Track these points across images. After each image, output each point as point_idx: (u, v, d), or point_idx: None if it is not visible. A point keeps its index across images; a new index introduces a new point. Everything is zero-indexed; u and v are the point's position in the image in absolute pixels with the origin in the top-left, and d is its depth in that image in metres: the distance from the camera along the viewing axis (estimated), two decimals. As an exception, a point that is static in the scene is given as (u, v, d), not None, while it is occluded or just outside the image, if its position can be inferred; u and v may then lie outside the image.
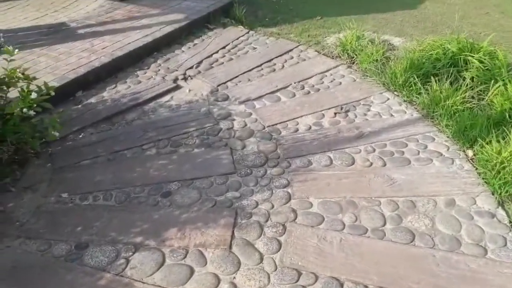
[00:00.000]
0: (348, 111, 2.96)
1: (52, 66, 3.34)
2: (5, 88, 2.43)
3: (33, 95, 2.34)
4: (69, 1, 4.92)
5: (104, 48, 3.64)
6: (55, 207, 2.24)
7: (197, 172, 2.45)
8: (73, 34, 3.95)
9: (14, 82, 2.37)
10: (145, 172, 2.46)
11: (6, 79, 2.35)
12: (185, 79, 3.46)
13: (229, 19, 4.53)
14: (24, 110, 2.26)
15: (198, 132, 2.78)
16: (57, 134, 2.41)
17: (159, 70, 3.57)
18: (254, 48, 3.93)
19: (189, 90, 3.31)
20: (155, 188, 2.34)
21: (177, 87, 3.34)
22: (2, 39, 2.44)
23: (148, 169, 2.47)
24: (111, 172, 2.45)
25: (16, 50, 2.52)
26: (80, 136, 2.78)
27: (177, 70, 3.55)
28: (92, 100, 3.15)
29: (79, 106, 3.08)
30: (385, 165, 2.48)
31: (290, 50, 3.86)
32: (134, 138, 2.72)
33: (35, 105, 2.34)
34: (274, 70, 3.56)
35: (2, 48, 2.39)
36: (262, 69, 3.59)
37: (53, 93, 2.55)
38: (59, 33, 4.00)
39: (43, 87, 2.46)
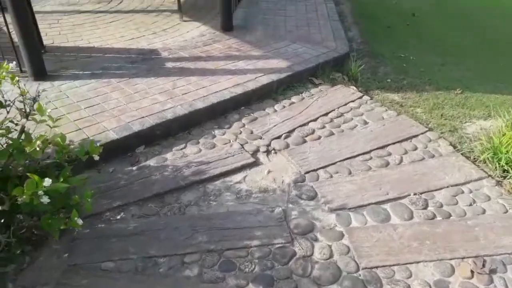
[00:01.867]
0: (494, 271, 1.93)
1: (121, 108, 2.84)
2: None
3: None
4: (172, 23, 4.54)
5: (185, 93, 3.07)
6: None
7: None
8: (160, 67, 3.47)
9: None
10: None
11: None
12: (267, 152, 2.72)
13: (341, 74, 3.70)
14: (38, 194, 1.69)
15: (262, 252, 2.00)
16: (80, 222, 1.81)
17: (240, 132, 2.88)
18: (365, 123, 3.04)
19: (268, 172, 2.55)
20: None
21: (255, 163, 2.60)
22: (39, 93, 1.93)
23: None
24: (135, 289, 1.79)
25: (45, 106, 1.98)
26: (118, 217, 2.18)
27: (260, 138, 2.83)
28: (152, 162, 2.57)
29: (134, 168, 2.51)
30: None
31: (414, 136, 2.90)
32: (178, 240, 2.04)
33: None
34: (388, 164, 2.64)
35: (35, 102, 1.87)
36: (370, 158, 2.69)
37: (97, 158, 2.00)
38: (146, 62, 3.55)
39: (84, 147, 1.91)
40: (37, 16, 4.64)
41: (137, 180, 2.40)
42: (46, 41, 3.94)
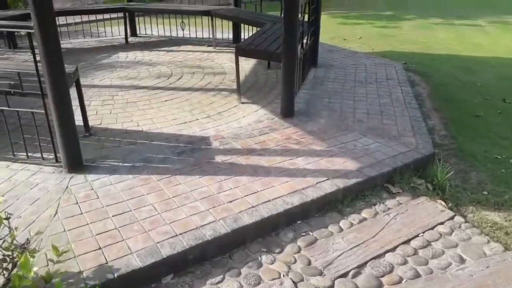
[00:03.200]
0: None
1: (153, 219, 2.37)
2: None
3: None
4: (229, 104, 4.19)
5: (231, 201, 2.55)
6: None
7: None
8: (208, 162, 3.03)
9: None
10: None
11: None
12: (329, 297, 2.06)
13: (424, 181, 3.01)
14: None
15: None
16: None
17: (294, 261, 2.27)
18: (462, 261, 2.29)
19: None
20: None
21: (312, 316, 1.95)
22: (28, 241, 1.49)
23: None
24: None
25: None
26: None
27: (321, 274, 2.18)
28: (178, 300, 2.01)
29: (156, 308, 1.97)
30: None
31: (535, 292, 2.09)
32: None
33: None
34: (501, 339, 1.86)
35: (23, 253, 1.42)
36: (474, 323, 1.92)
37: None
38: (194, 154, 3.14)
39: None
40: (93, 90, 4.59)
41: (155, 332, 1.85)
42: (94, 121, 3.72)
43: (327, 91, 4.55)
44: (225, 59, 5.87)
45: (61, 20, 7.39)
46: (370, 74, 5.17)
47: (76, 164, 2.86)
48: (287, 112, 3.84)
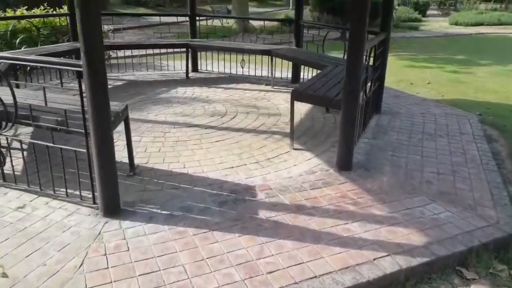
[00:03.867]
0: None
1: (179, 285, 2.10)
2: None
3: None
4: (280, 150, 3.92)
5: (270, 272, 2.22)
6: None
7: None
8: (250, 217, 2.74)
9: None
10: None
11: None
12: None
13: (506, 267, 2.47)
14: None
15: None
16: None
17: None
18: None
19: None
20: None
21: None
22: None
23: None
24: None
25: None
26: None
27: None
28: None
29: None
30: None
31: None
32: None
33: None
34: None
35: None
36: None
37: None
38: (237, 206, 2.88)
39: None
40: (147, 126, 4.54)
41: None
42: (141, 159, 3.61)
43: (391, 142, 4.12)
44: (282, 99, 5.67)
45: (126, 52, 7.71)
46: (441, 125, 4.67)
47: (113, 208, 2.71)
48: (344, 165, 3.48)
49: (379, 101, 5.01)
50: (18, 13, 7.01)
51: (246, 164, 3.60)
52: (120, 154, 3.45)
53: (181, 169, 3.48)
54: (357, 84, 3.33)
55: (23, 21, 6.49)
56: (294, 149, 3.95)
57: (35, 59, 2.99)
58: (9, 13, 7.06)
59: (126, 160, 3.39)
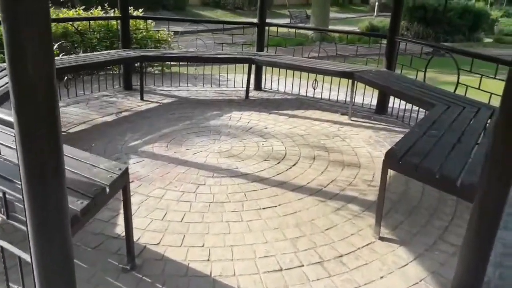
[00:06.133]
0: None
1: None
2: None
3: None
4: (358, 239, 2.59)
5: None
6: None
7: None
8: None
9: None
10: None
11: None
12: None
13: None
14: None
15: None
16: None
17: None
18: None
19: None
20: None
21: None
22: None
23: None
24: None
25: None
26: None
27: None
28: None
29: None
30: None
31: None
32: None
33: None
34: None
35: None
36: None
37: None
38: None
39: None
40: (178, 170, 3.32)
41: None
42: (153, 236, 2.51)
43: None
44: (361, 139, 4.29)
45: (182, 64, 6.76)
46: None
47: None
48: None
49: None
50: (70, 13, 6.40)
51: (302, 266, 2.33)
52: (121, 228, 2.37)
53: (202, 264, 2.30)
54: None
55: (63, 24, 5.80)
56: (380, 238, 2.59)
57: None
58: (63, 13, 6.48)
59: (124, 243, 2.29)
